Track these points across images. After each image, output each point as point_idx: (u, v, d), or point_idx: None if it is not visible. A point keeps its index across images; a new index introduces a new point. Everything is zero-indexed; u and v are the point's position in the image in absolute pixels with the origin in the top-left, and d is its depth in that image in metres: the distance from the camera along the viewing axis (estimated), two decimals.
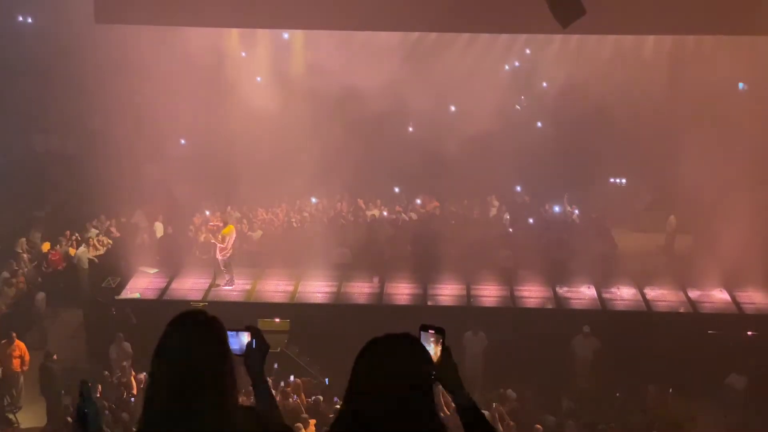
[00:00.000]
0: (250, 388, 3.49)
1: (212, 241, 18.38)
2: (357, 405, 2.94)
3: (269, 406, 3.44)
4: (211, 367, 2.99)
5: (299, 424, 12.96)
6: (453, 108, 21.91)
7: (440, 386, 3.20)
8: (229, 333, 3.34)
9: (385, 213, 21.61)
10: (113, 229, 20.93)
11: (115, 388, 15.01)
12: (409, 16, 16.73)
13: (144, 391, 3.07)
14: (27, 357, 15.88)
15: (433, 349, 3.19)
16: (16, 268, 18.75)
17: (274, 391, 15.65)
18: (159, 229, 20.71)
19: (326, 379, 15.37)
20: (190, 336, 3.04)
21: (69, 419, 12.92)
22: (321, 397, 14.59)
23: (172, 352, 3.01)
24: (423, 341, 3.18)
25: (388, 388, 2.88)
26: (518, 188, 22.34)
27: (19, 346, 15.88)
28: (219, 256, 18.44)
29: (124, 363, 15.60)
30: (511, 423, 14.06)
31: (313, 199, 20.44)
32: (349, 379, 2.97)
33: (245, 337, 3.46)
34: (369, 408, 2.89)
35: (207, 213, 20.18)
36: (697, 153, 18.30)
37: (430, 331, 3.21)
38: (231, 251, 18.51)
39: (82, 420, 2.90)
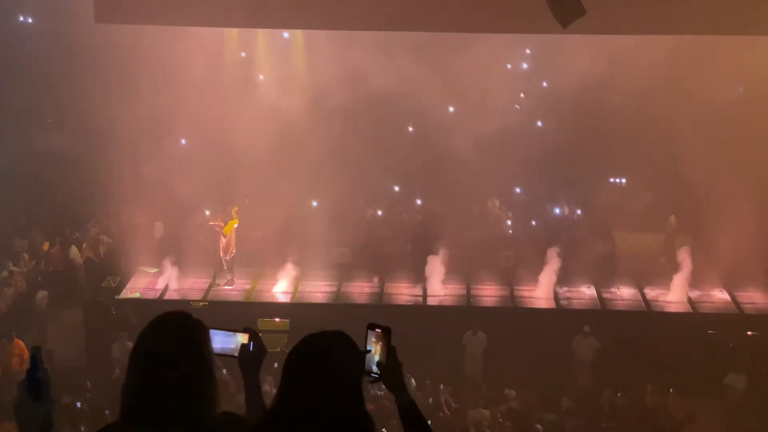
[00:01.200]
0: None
1: (220, 232, 18.38)
2: (285, 400, 2.96)
3: (259, 412, 3.41)
4: (185, 369, 2.95)
5: None
6: (453, 108, 21.89)
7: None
8: (225, 333, 3.31)
9: (380, 212, 21.56)
10: (113, 229, 20.93)
11: (114, 386, 15.01)
12: (408, 16, 16.71)
13: (120, 388, 3.05)
14: (26, 355, 15.88)
15: (379, 348, 3.18)
16: (14, 267, 18.75)
17: (273, 392, 15.66)
18: (159, 228, 20.70)
19: None
20: (165, 337, 3.00)
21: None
22: None
23: (146, 352, 2.99)
24: (369, 340, 3.17)
25: (316, 384, 2.92)
26: (518, 188, 22.31)
27: (19, 345, 15.89)
28: (223, 256, 18.48)
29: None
30: (508, 423, 14.09)
31: (314, 203, 20.41)
32: (281, 374, 2.99)
33: (242, 339, 3.43)
34: (297, 403, 2.92)
35: (207, 213, 20.15)
36: (697, 153, 18.29)
37: (376, 330, 3.20)
38: (235, 250, 18.55)
39: (33, 386, 2.88)
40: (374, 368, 3.15)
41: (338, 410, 2.91)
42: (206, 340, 3.09)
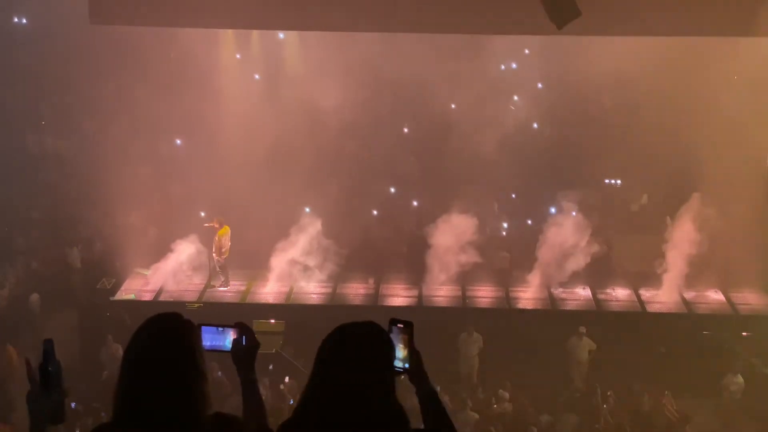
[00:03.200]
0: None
1: (216, 239, 18.41)
2: (319, 391, 2.96)
3: (256, 408, 3.38)
4: (176, 370, 2.95)
5: None
6: (448, 109, 21.86)
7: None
8: (216, 329, 3.31)
9: (375, 213, 21.53)
10: (108, 230, 20.86)
11: (106, 387, 14.98)
12: (402, 18, 16.70)
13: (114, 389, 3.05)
14: (16, 362, 15.78)
15: (403, 343, 3.27)
16: (10, 269, 18.71)
17: (270, 393, 15.64)
18: (154, 230, 20.65)
19: None
20: (155, 339, 3.01)
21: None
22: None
23: (137, 354, 3.00)
24: (393, 335, 3.25)
25: (351, 375, 2.92)
26: (514, 189, 22.28)
27: (8, 352, 15.83)
28: (216, 258, 18.47)
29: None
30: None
31: (307, 209, 20.36)
32: (313, 364, 2.99)
33: (233, 334, 3.41)
34: (330, 393, 2.92)
35: (202, 214, 20.12)
36: (692, 154, 18.34)
37: (399, 325, 3.27)
38: (228, 252, 18.56)
39: (45, 379, 2.90)
40: (399, 362, 3.23)
41: (370, 401, 2.93)
42: (196, 340, 3.08)
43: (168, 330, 3.04)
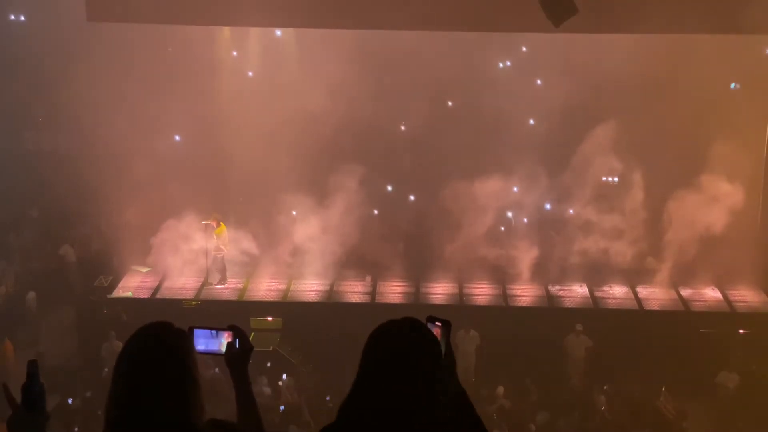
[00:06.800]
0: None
1: (214, 237, 18.39)
2: (368, 386, 2.91)
3: (251, 413, 3.34)
4: (167, 382, 2.92)
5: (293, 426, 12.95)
6: (445, 106, 21.86)
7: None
8: (209, 332, 3.26)
9: (376, 211, 21.54)
10: (105, 227, 20.85)
11: (104, 385, 14.98)
12: (400, 15, 16.68)
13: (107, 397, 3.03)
14: (11, 353, 15.78)
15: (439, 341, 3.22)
16: (8, 266, 18.69)
17: (269, 389, 15.62)
18: (151, 227, 20.63)
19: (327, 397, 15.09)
20: (145, 351, 2.97)
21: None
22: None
23: (127, 367, 2.96)
24: None
25: (403, 369, 2.89)
26: (511, 186, 22.26)
27: (7, 345, 15.84)
28: (213, 255, 18.46)
29: None
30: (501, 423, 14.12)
31: (294, 212, 20.31)
32: (361, 360, 2.94)
33: (227, 337, 3.36)
34: (380, 389, 2.88)
35: (200, 212, 20.09)
36: (690, 151, 18.35)
37: (436, 323, 3.22)
38: (226, 250, 18.55)
39: (28, 400, 2.88)
40: None
41: (422, 397, 2.91)
42: (188, 350, 3.04)
43: (159, 342, 2.99)
